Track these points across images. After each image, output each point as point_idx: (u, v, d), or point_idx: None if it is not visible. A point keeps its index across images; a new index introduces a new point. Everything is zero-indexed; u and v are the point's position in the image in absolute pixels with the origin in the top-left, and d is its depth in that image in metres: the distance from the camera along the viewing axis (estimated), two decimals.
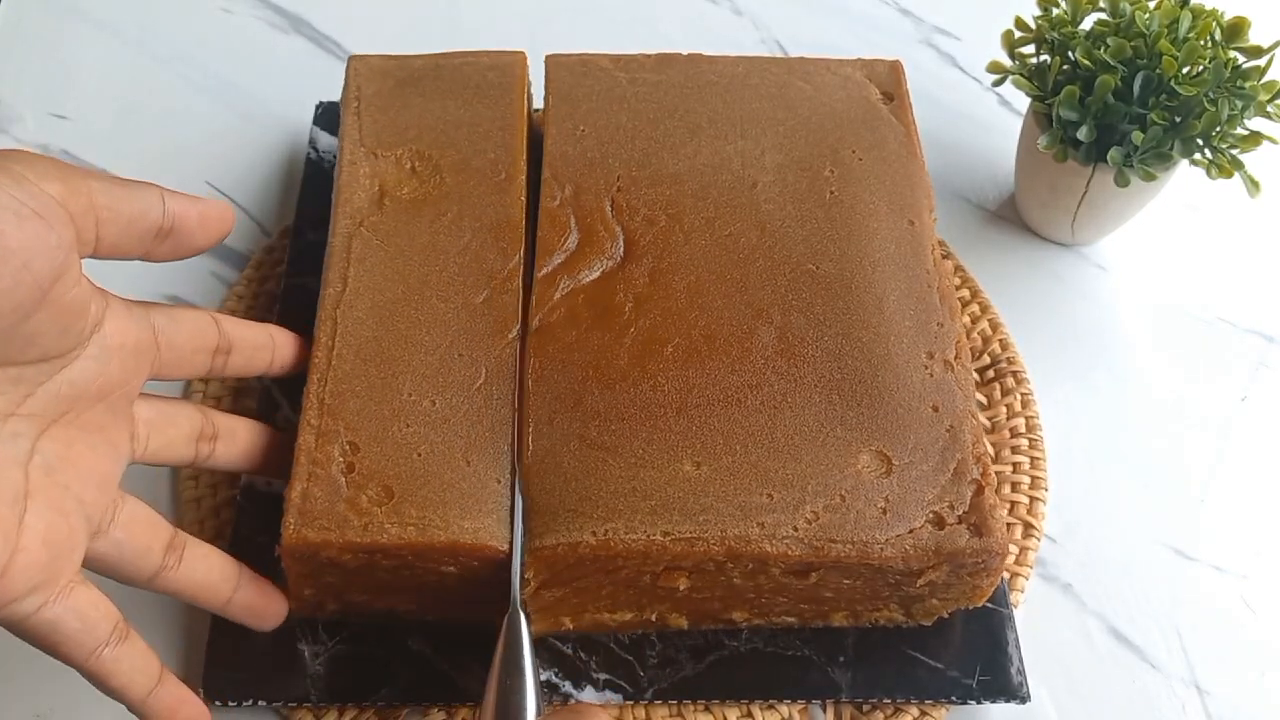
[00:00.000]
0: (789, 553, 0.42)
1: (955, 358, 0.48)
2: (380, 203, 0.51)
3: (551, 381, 0.46)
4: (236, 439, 0.45)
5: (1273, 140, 0.54)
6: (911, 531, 0.43)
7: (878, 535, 0.43)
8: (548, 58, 0.57)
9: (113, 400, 0.40)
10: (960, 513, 0.44)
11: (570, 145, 0.54)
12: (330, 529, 0.42)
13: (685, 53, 0.58)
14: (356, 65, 0.57)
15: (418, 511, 0.43)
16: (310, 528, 0.42)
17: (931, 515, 0.44)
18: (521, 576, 0.43)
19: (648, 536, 0.42)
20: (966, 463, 0.45)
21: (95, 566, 0.40)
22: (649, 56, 0.57)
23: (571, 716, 0.38)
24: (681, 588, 0.44)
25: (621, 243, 0.50)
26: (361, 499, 0.43)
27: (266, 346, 0.47)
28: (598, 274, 0.49)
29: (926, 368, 0.47)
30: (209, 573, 0.43)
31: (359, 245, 0.50)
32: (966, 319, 0.59)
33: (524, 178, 0.52)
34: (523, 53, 0.57)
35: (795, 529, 0.43)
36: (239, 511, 0.50)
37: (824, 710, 0.48)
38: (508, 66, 0.56)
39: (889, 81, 0.57)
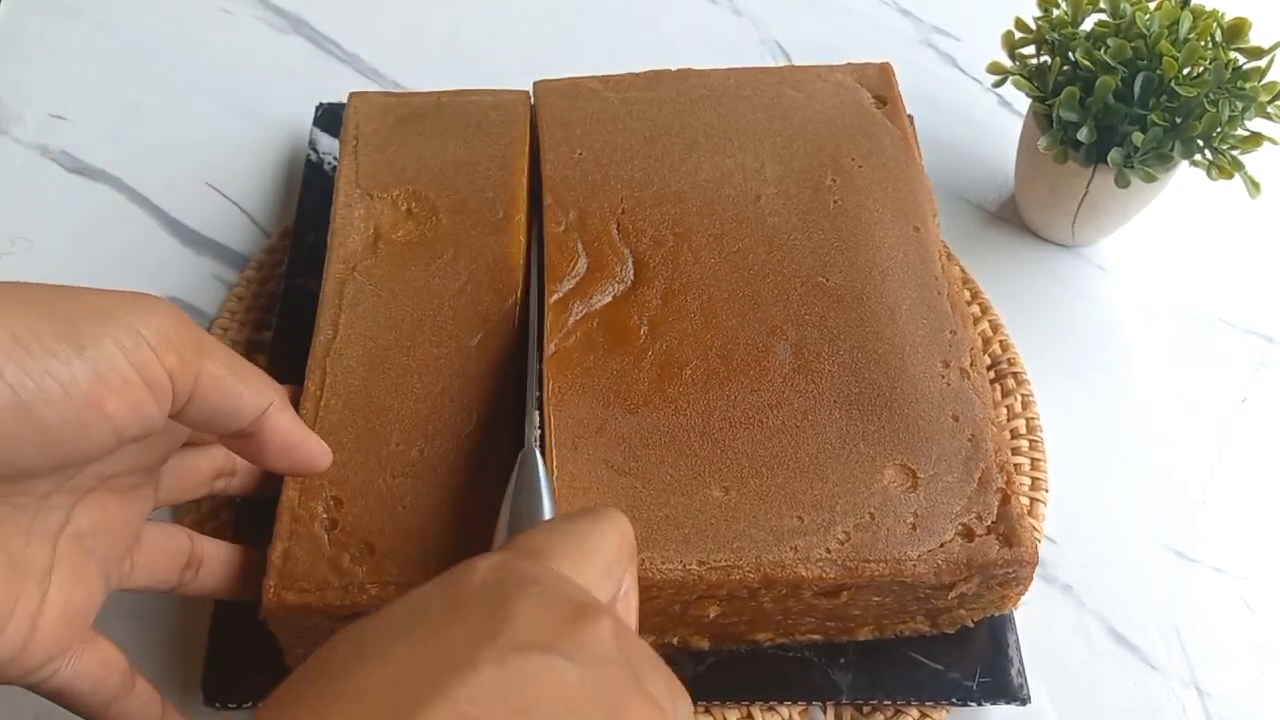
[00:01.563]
0: (823, 575, 0.42)
1: (970, 365, 0.47)
2: (375, 246, 0.50)
3: (572, 406, 0.45)
4: (254, 473, 0.45)
5: (1273, 141, 0.54)
6: (942, 545, 0.43)
7: (909, 551, 0.42)
8: (536, 83, 0.57)
9: (151, 465, 0.40)
10: (989, 523, 0.43)
11: (569, 170, 0.53)
12: (310, 591, 0.41)
13: (674, 68, 0.58)
14: (356, 103, 0.56)
15: (399, 569, 0.41)
16: (290, 590, 0.41)
17: (961, 527, 0.43)
18: (542, 429, 0.42)
19: (684, 566, 0.42)
20: (990, 471, 0.44)
21: None
22: (638, 75, 0.57)
23: (587, 510, 0.34)
24: (711, 615, 0.44)
25: (631, 265, 0.50)
26: (344, 558, 0.42)
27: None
28: (610, 298, 0.49)
29: (943, 377, 0.47)
30: (225, 579, 0.43)
31: (351, 291, 0.49)
32: None
33: (522, 217, 0.52)
34: (526, 91, 0.57)
35: (828, 550, 0.42)
36: (238, 513, 0.50)
37: (824, 711, 0.48)
38: (510, 105, 0.56)
39: (880, 84, 0.57)
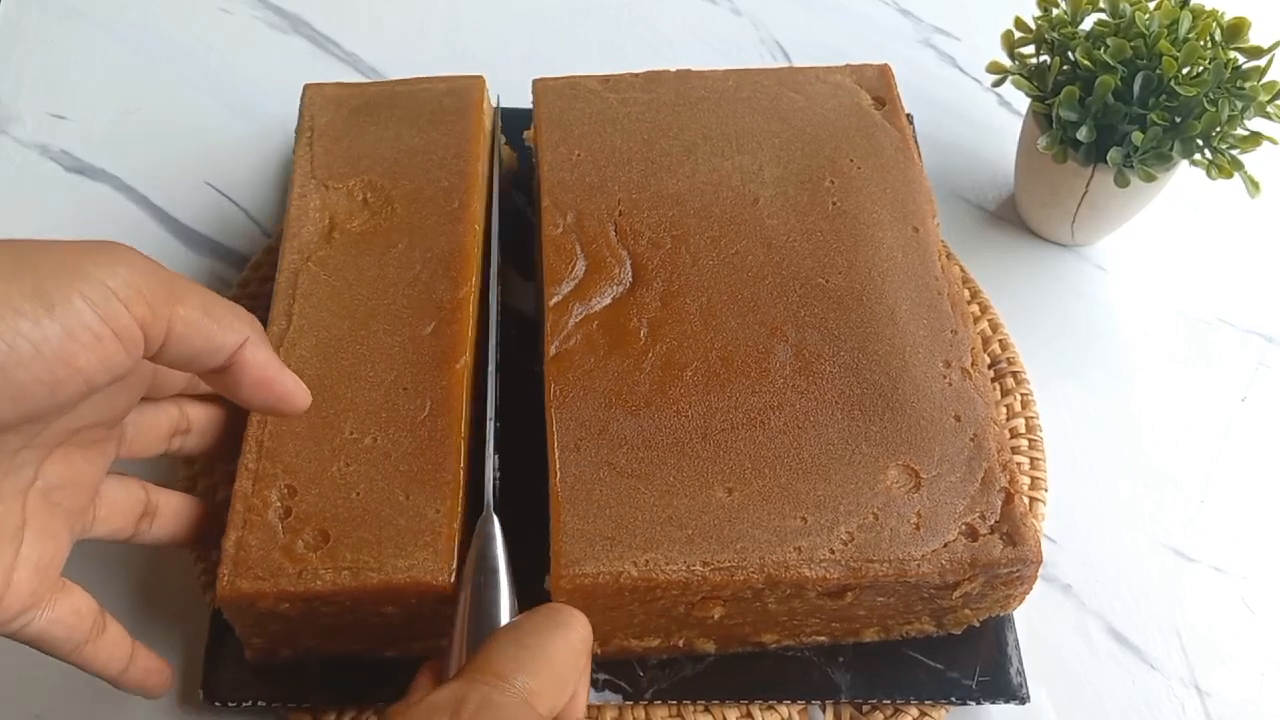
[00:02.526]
0: (827, 576, 0.42)
1: (972, 365, 0.47)
2: (329, 236, 0.51)
3: (574, 409, 0.46)
4: (207, 434, 0.46)
5: (1273, 140, 0.54)
6: (946, 545, 0.43)
7: (913, 552, 0.43)
8: (535, 81, 0.57)
9: (114, 419, 0.40)
10: (992, 522, 0.43)
11: (567, 171, 0.53)
12: (264, 578, 0.41)
13: (674, 69, 0.58)
14: (311, 94, 0.56)
15: (352, 554, 0.42)
16: (244, 578, 0.41)
17: (964, 527, 0.43)
18: (495, 484, 0.44)
19: (687, 567, 0.42)
20: (994, 471, 0.44)
21: None
22: (637, 75, 0.57)
23: (548, 613, 0.37)
24: (716, 616, 0.44)
25: (629, 267, 0.50)
26: (297, 545, 0.42)
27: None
28: (609, 300, 0.49)
29: (945, 377, 0.47)
30: (178, 528, 0.45)
31: (305, 281, 0.49)
32: None
33: (478, 206, 0.52)
34: (481, 77, 0.57)
35: (832, 551, 0.42)
36: None
37: (823, 711, 0.48)
38: (464, 91, 0.56)
39: (879, 86, 0.57)
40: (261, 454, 0.44)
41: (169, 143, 0.67)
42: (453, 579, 0.42)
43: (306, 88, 0.57)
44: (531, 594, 0.44)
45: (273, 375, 0.39)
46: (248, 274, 0.60)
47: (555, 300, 0.49)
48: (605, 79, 0.57)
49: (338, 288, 0.49)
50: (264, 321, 0.48)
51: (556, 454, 0.44)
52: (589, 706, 0.47)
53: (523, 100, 0.60)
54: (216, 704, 0.46)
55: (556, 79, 0.57)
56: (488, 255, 0.52)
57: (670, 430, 0.45)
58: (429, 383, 0.46)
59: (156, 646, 0.49)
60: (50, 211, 0.64)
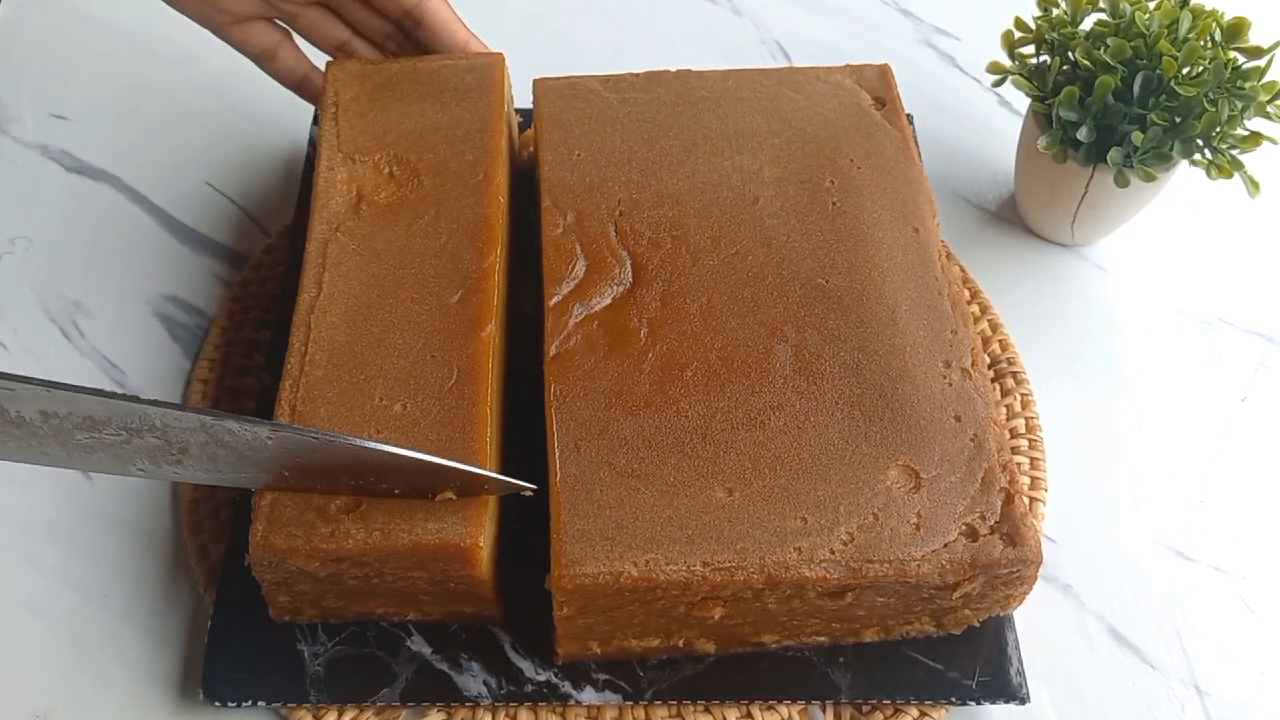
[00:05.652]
0: (828, 576, 0.42)
1: (972, 365, 0.47)
2: (357, 207, 0.51)
3: (574, 409, 0.46)
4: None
5: (1273, 140, 0.54)
6: (946, 545, 0.43)
7: (913, 552, 0.43)
8: (536, 81, 0.57)
9: None
10: (992, 523, 0.43)
11: (568, 171, 0.53)
12: (297, 536, 0.42)
13: (674, 69, 0.58)
14: (335, 71, 0.57)
15: (384, 517, 0.42)
16: (277, 534, 0.42)
17: (964, 528, 0.43)
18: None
19: (688, 567, 0.42)
20: (994, 471, 0.45)
21: None
22: (637, 75, 0.57)
23: None
24: (716, 616, 0.44)
25: (629, 267, 0.50)
26: (330, 507, 0.43)
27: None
28: (609, 300, 0.49)
29: (945, 377, 0.47)
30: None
31: (335, 250, 0.50)
32: None
33: (502, 178, 0.52)
34: (501, 54, 0.57)
35: (832, 551, 0.43)
36: (237, 511, 0.51)
37: (823, 711, 0.48)
38: (485, 69, 0.56)
39: (879, 86, 0.57)
40: (294, 417, 0.45)
41: (169, 143, 0.67)
42: (481, 543, 0.42)
43: (329, 65, 0.57)
44: (532, 594, 0.45)
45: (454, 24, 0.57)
46: (248, 274, 0.60)
47: (555, 300, 0.49)
48: (605, 79, 0.57)
49: (366, 257, 0.50)
50: (294, 290, 0.49)
51: (556, 454, 0.44)
52: (589, 707, 0.47)
53: (523, 100, 0.60)
54: (216, 704, 0.46)
55: (556, 79, 0.57)
56: (512, 227, 0.53)
57: (670, 430, 0.45)
58: (456, 351, 0.47)
59: (159, 646, 0.49)
60: (50, 211, 0.64)
